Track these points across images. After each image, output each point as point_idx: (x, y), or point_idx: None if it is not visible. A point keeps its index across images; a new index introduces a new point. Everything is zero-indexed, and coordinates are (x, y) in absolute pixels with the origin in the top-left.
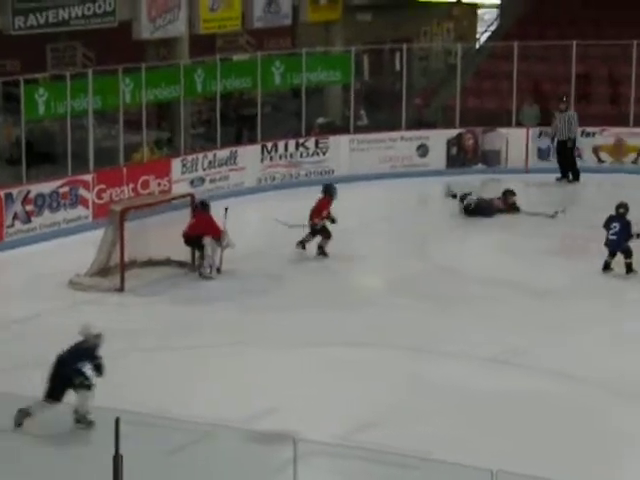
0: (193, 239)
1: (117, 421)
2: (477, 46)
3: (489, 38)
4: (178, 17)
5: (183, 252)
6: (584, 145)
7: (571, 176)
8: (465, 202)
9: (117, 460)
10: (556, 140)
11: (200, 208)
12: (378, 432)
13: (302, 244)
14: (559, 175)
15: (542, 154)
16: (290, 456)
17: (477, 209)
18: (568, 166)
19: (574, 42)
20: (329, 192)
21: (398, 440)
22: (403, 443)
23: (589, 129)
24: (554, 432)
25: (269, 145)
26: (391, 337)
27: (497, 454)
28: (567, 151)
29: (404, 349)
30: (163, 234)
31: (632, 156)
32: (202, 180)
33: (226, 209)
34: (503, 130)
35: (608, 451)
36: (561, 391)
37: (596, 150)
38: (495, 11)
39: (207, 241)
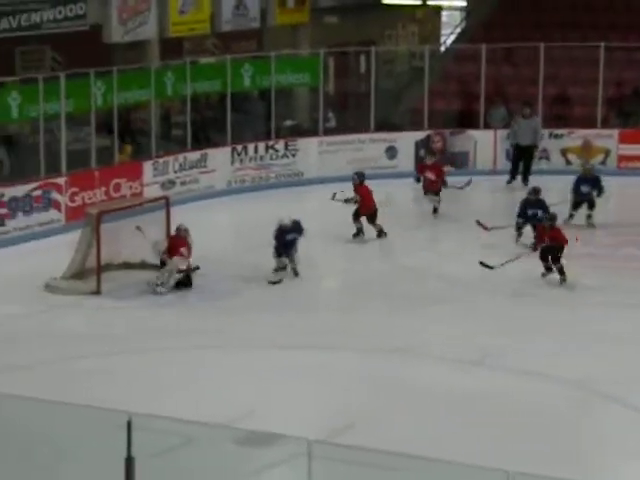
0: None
1: (129, 424)
2: (442, 49)
3: (455, 40)
4: (148, 20)
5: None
6: (552, 147)
7: (522, 180)
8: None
9: (129, 463)
10: (516, 144)
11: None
12: (358, 435)
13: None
14: (509, 178)
15: (510, 155)
16: (275, 458)
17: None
18: (525, 171)
19: (542, 44)
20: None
21: (380, 442)
22: (385, 445)
23: (557, 131)
24: (531, 432)
25: (239, 147)
26: (364, 339)
27: (477, 454)
28: (528, 157)
29: (378, 351)
30: (137, 237)
31: (600, 157)
32: (173, 183)
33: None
34: (471, 132)
35: (585, 450)
36: (534, 390)
37: (564, 152)
38: (458, 14)
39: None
